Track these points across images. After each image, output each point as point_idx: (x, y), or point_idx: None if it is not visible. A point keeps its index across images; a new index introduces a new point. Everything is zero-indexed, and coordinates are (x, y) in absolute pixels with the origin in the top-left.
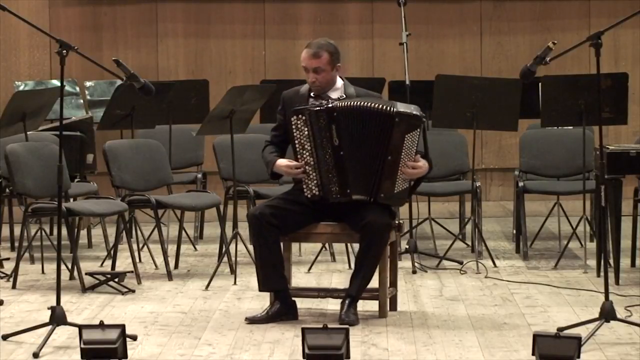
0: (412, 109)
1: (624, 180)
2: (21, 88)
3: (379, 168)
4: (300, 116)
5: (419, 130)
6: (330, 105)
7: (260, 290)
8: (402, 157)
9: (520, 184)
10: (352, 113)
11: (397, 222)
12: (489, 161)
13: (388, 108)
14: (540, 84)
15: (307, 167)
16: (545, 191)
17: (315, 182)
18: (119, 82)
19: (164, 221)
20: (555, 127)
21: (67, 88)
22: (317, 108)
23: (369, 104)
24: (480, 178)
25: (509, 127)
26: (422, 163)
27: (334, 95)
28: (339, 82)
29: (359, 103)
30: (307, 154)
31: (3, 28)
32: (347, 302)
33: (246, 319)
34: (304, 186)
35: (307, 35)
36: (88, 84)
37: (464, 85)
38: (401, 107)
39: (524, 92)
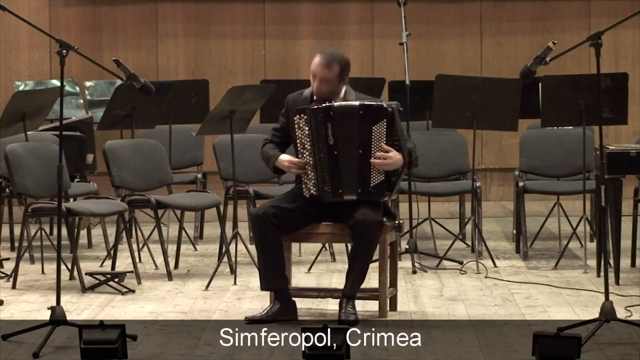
0: (381, 102)
1: (624, 180)
2: (21, 88)
3: (355, 163)
4: (302, 115)
5: (385, 121)
6: (328, 104)
7: (261, 289)
8: (372, 149)
9: (520, 184)
10: (345, 113)
11: (397, 222)
12: (489, 161)
13: (356, 103)
14: (540, 84)
15: (307, 167)
16: (545, 191)
17: (313, 182)
18: (119, 82)
19: (164, 221)
20: (555, 127)
21: (67, 88)
22: (316, 106)
23: (352, 101)
24: (480, 178)
25: (509, 127)
26: (393, 153)
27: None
28: (342, 89)
29: (350, 103)
30: (307, 153)
31: (3, 28)
32: (344, 302)
33: (246, 318)
34: (303, 186)
35: (307, 35)
36: (88, 84)
37: (464, 85)
38: (372, 101)
39: (524, 92)
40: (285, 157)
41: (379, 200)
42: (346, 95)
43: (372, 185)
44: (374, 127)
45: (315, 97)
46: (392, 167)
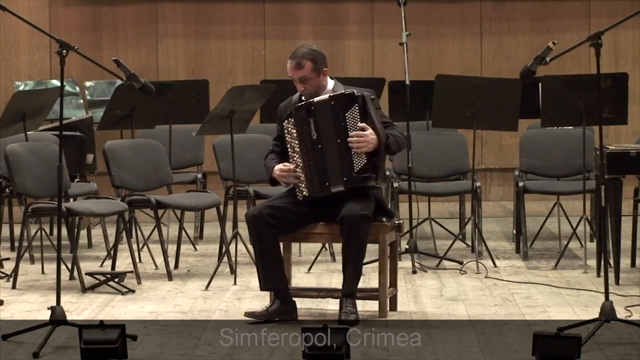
0: (351, 89)
1: (624, 180)
2: (21, 88)
3: (336, 153)
4: (290, 119)
5: (356, 106)
6: (309, 100)
7: (261, 289)
8: (349, 135)
9: (520, 184)
10: (321, 106)
11: (397, 222)
12: (489, 161)
13: (326, 96)
14: (540, 84)
15: (297, 170)
16: (545, 191)
17: (304, 183)
18: (119, 82)
19: (164, 221)
20: (555, 127)
21: (67, 88)
22: (298, 105)
23: (325, 96)
24: (480, 178)
25: (509, 127)
26: (368, 132)
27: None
28: (330, 83)
29: (323, 96)
30: (297, 155)
31: (3, 28)
32: (344, 300)
33: (246, 313)
34: (296, 189)
35: (307, 35)
36: (88, 84)
37: (464, 85)
38: (341, 90)
39: (524, 92)
40: (277, 167)
41: (367, 185)
42: (335, 88)
43: (355, 170)
44: (347, 114)
45: (302, 96)
46: (369, 146)
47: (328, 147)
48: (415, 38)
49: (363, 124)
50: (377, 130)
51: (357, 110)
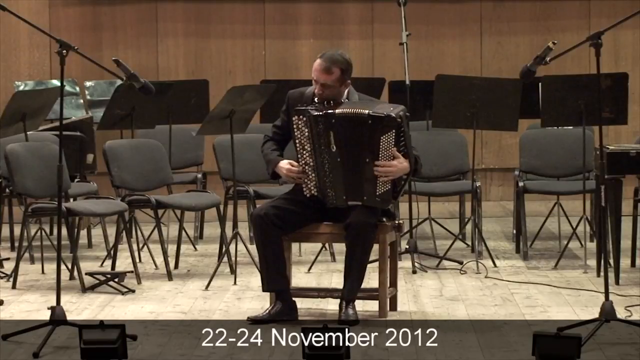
0: (390, 111)
1: (624, 180)
2: (21, 88)
3: (361, 171)
4: (301, 117)
5: (393, 131)
6: (329, 111)
7: (263, 290)
8: (379, 158)
9: (520, 184)
10: (348, 119)
11: (397, 222)
12: (489, 161)
13: (364, 111)
14: (540, 84)
15: (306, 167)
16: (545, 191)
17: (314, 182)
18: (119, 82)
19: (164, 221)
20: (555, 127)
21: (67, 88)
22: (317, 113)
23: (359, 109)
24: (480, 178)
25: (509, 127)
26: (397, 162)
27: None
28: (345, 92)
29: (353, 109)
30: (307, 154)
31: (3, 28)
32: (343, 304)
33: (248, 318)
34: (304, 185)
35: (307, 35)
36: (88, 84)
37: (464, 85)
38: (380, 109)
39: (524, 92)
40: (284, 164)
41: (383, 208)
42: (349, 96)
43: (378, 193)
44: (382, 137)
45: (317, 99)
46: (397, 175)
47: (351, 162)
48: (415, 38)
49: (395, 152)
50: (409, 157)
51: (393, 135)
